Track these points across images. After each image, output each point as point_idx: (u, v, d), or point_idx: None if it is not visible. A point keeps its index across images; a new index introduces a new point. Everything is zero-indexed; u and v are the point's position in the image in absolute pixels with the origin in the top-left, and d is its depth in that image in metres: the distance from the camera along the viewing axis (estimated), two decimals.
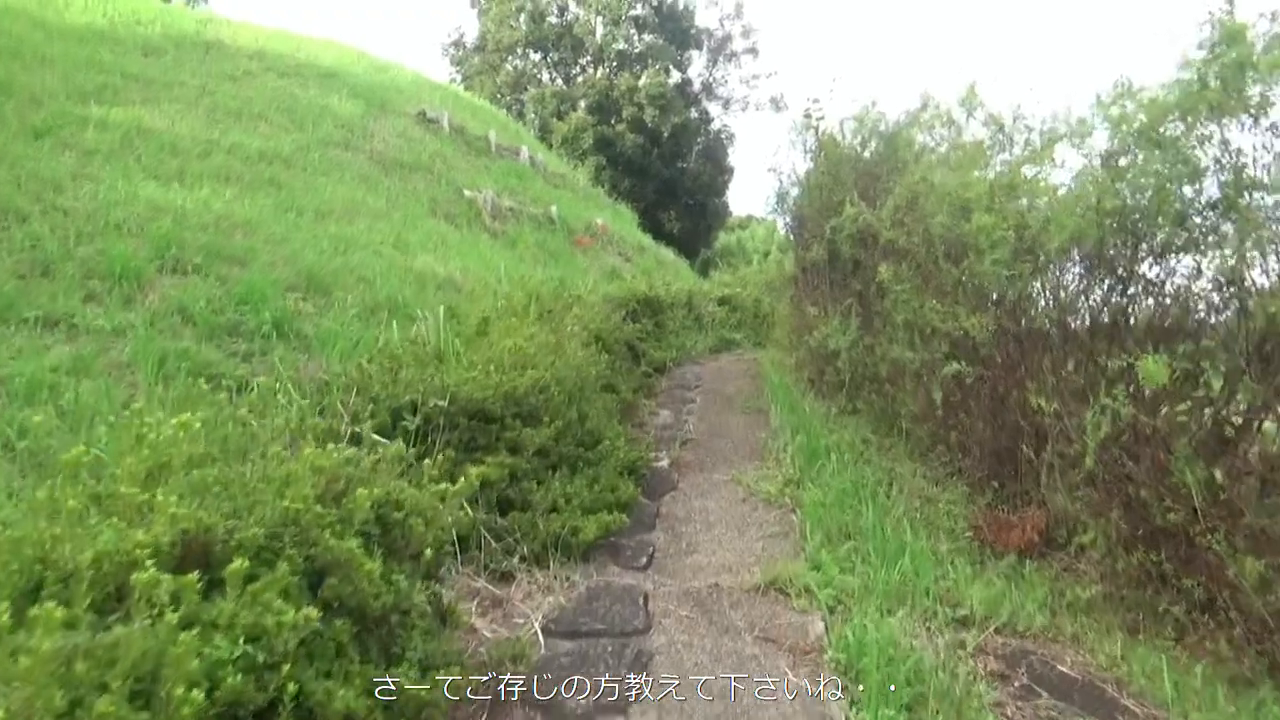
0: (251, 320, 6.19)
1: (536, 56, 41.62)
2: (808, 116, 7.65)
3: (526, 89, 40.14)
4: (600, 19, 40.72)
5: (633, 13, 40.68)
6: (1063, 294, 4.58)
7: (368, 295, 7.41)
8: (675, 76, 42.63)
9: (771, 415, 7.12)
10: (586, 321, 7.22)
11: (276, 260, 7.76)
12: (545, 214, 15.27)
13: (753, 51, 44.43)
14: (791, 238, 8.89)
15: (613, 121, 38.97)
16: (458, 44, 41.86)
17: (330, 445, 2.98)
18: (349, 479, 2.80)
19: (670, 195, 40.14)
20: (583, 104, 39.26)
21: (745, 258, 48.31)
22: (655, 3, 41.18)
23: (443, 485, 3.01)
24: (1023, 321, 4.84)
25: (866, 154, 8.09)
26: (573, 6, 41.49)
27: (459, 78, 40.24)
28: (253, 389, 5.04)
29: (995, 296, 4.93)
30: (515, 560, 3.97)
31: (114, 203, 7.87)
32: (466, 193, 13.51)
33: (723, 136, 44.35)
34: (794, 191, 9.04)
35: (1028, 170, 5.00)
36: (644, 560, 4.20)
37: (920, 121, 7.16)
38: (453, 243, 10.83)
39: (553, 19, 41.17)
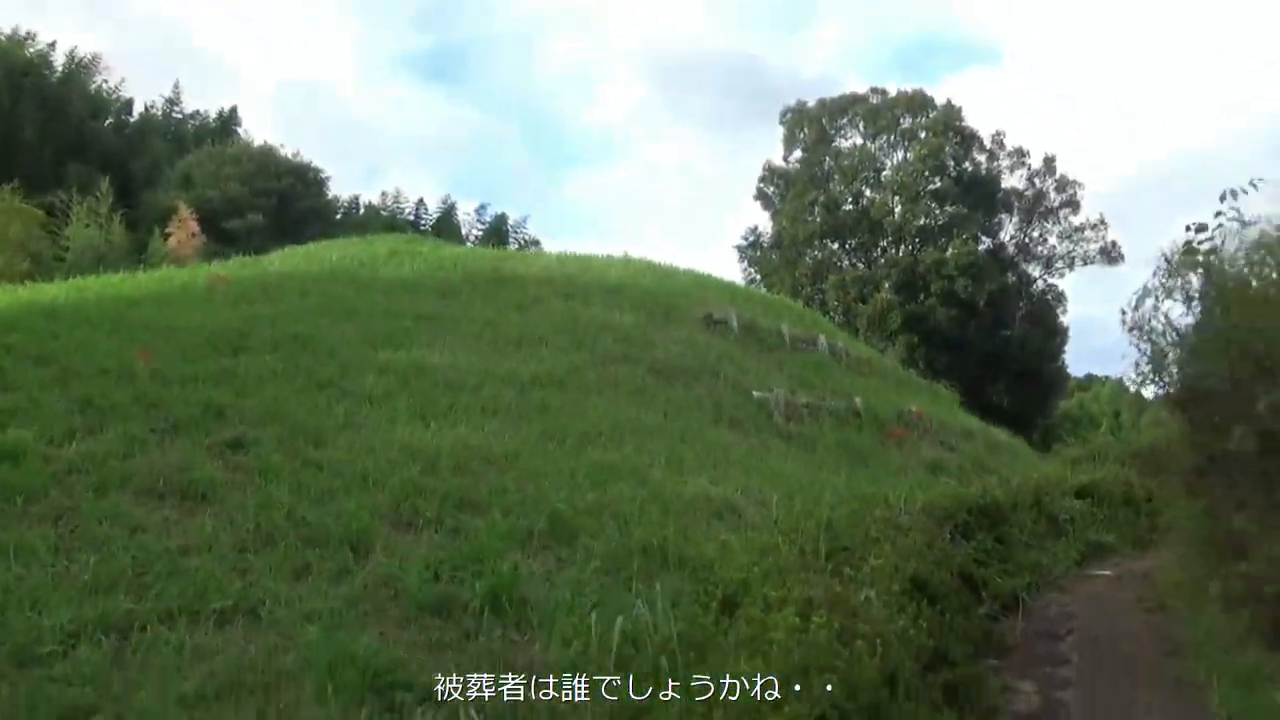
0: (466, 590, 5.01)
1: (834, 245, 41.04)
2: (1189, 251, 5.46)
3: (827, 277, 39.36)
4: (897, 198, 39.60)
5: (931, 187, 39.19)
6: None
7: (619, 539, 6.05)
8: (986, 243, 40.02)
9: (1211, 698, 4.59)
10: (898, 560, 5.31)
11: (524, 501, 6.74)
12: (848, 407, 13.52)
13: (1071, 205, 40.74)
14: (1183, 416, 6.42)
15: (921, 298, 36.93)
16: (754, 244, 42.49)
17: None
18: None
19: (995, 367, 36.80)
20: (887, 284, 37.69)
21: (1092, 422, 42.46)
22: (954, 174, 39.46)
23: None
24: None
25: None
26: (868, 191, 40.86)
27: (757, 277, 40.55)
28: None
29: None
30: None
31: (367, 451, 7.38)
32: (755, 394, 12.22)
33: (1048, 297, 40.54)
34: (1173, 353, 6.67)
35: None
36: None
37: None
38: (736, 455, 9.40)
39: (848, 206, 40.70)
